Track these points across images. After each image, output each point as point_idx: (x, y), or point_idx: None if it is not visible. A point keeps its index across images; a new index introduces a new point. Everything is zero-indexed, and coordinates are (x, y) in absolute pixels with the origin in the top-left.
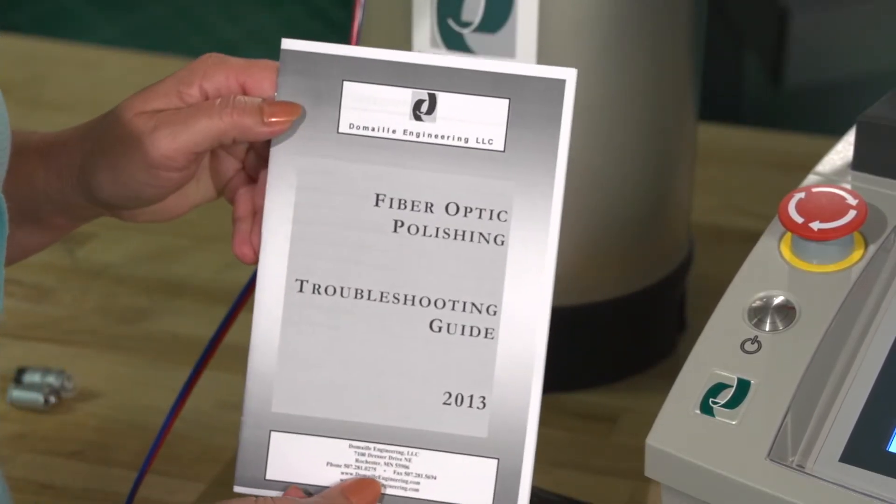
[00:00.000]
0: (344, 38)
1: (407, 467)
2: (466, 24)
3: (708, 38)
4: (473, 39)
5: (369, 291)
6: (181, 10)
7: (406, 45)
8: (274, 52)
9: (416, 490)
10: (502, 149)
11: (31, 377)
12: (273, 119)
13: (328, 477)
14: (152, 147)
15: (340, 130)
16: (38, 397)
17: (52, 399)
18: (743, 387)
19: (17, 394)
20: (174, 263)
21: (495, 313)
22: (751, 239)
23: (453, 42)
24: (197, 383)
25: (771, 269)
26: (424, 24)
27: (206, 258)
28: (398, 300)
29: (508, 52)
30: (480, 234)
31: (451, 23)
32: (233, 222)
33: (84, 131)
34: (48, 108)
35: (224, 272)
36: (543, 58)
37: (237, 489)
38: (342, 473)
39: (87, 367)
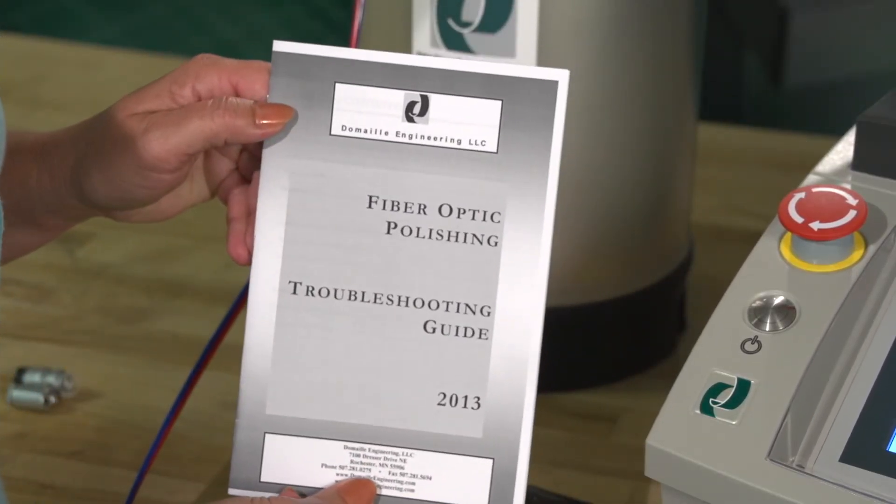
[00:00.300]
0: (344, 38)
1: (402, 468)
2: (466, 24)
3: (708, 38)
4: (473, 39)
5: (363, 293)
6: (181, 9)
7: (406, 45)
8: None
9: (412, 490)
10: (495, 150)
11: (31, 377)
12: (265, 121)
13: (323, 478)
14: (144, 149)
15: (333, 132)
16: (38, 397)
17: (52, 399)
18: (743, 387)
19: (17, 394)
20: (174, 263)
21: (489, 314)
22: (751, 239)
23: (453, 42)
24: (197, 383)
25: (771, 269)
26: (424, 24)
27: (206, 258)
28: (392, 302)
29: (508, 52)
30: (474, 235)
31: (451, 23)
32: (227, 223)
33: (77, 132)
34: (48, 107)
35: (224, 272)
36: (543, 58)
37: (232, 492)
38: (337, 475)
39: (87, 367)
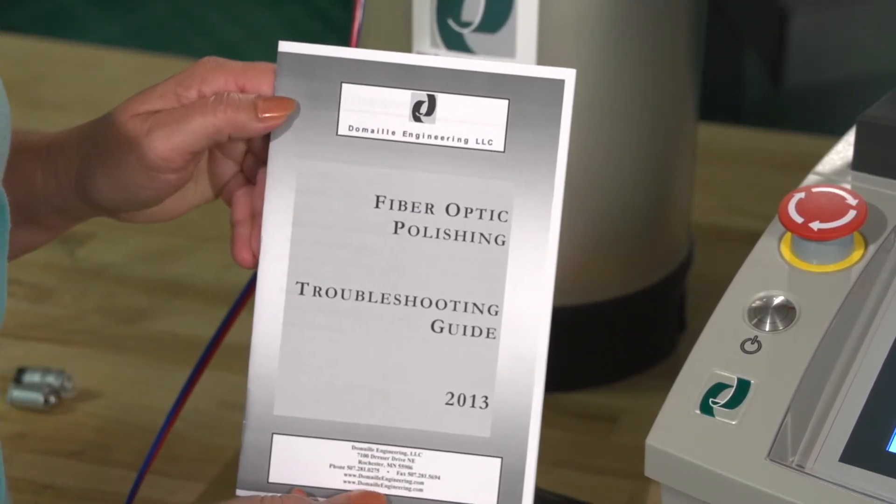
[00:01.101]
0: (344, 38)
1: (410, 468)
2: (466, 24)
3: (708, 38)
4: (473, 39)
5: (370, 293)
6: (181, 9)
7: (406, 45)
8: (274, 53)
9: (420, 490)
10: (502, 149)
11: (31, 377)
12: (267, 114)
13: (331, 479)
14: (148, 149)
15: (340, 132)
16: (38, 397)
17: (52, 399)
18: (743, 387)
19: (17, 394)
20: (174, 263)
21: (496, 313)
22: (751, 239)
23: (453, 42)
24: (197, 383)
25: (771, 269)
26: (424, 24)
27: (206, 258)
28: (399, 301)
29: (508, 52)
30: (481, 234)
31: (451, 23)
32: (231, 226)
33: (81, 134)
34: (48, 108)
35: (225, 272)
36: (543, 58)
37: (240, 493)
38: (345, 475)
39: (87, 367)
